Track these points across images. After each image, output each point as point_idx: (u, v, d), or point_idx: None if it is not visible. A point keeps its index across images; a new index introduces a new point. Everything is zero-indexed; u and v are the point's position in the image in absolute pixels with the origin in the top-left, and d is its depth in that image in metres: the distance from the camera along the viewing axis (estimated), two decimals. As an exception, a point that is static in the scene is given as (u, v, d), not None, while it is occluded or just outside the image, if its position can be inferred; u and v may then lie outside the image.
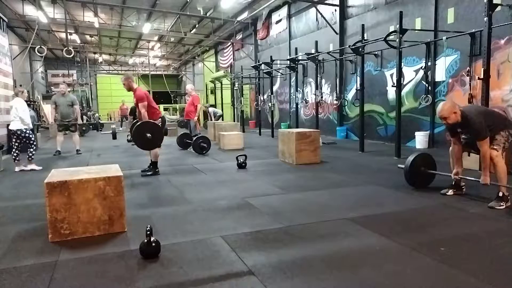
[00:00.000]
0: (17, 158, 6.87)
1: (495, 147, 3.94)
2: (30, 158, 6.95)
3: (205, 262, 2.68)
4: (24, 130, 6.78)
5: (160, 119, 6.44)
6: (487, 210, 3.82)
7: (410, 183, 4.86)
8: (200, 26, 18.99)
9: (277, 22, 16.02)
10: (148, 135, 5.82)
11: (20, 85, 13.69)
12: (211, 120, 15.46)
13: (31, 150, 6.96)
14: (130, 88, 6.19)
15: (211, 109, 16.91)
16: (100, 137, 14.64)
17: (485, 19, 5.73)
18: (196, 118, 9.59)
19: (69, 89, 9.97)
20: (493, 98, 7.11)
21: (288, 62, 11.90)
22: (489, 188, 4.13)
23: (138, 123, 6.09)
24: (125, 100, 20.00)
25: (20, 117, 6.67)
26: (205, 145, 8.74)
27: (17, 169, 6.83)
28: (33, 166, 6.95)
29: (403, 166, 4.88)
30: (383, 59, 10.15)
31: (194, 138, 9.01)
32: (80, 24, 17.66)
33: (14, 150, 6.89)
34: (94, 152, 9.51)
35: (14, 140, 6.88)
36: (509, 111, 7.11)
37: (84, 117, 17.58)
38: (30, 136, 6.89)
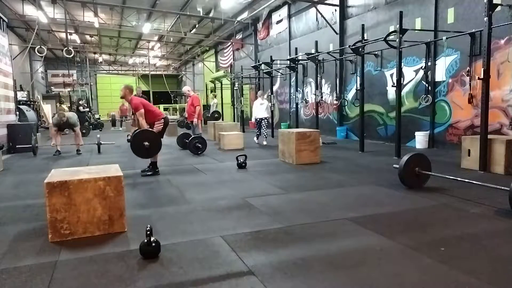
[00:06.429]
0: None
1: None
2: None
3: (205, 262, 2.68)
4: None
5: (163, 119, 6.47)
6: (487, 210, 3.82)
7: (404, 184, 4.84)
8: (200, 26, 18.99)
9: (277, 22, 16.02)
10: (146, 143, 5.81)
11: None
12: (213, 109, 15.85)
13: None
14: (124, 96, 6.34)
15: (215, 101, 17.33)
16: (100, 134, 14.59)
17: (485, 19, 5.73)
18: (196, 119, 9.57)
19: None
20: (493, 98, 7.12)
21: (288, 62, 11.90)
22: (489, 189, 4.15)
23: (136, 131, 6.13)
24: None
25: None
26: (200, 145, 8.72)
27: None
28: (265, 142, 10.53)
29: (397, 166, 4.87)
30: (383, 59, 10.15)
31: (190, 138, 9.00)
32: (80, 24, 17.65)
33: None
34: (94, 152, 9.50)
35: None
36: (509, 111, 7.11)
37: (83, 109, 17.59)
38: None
